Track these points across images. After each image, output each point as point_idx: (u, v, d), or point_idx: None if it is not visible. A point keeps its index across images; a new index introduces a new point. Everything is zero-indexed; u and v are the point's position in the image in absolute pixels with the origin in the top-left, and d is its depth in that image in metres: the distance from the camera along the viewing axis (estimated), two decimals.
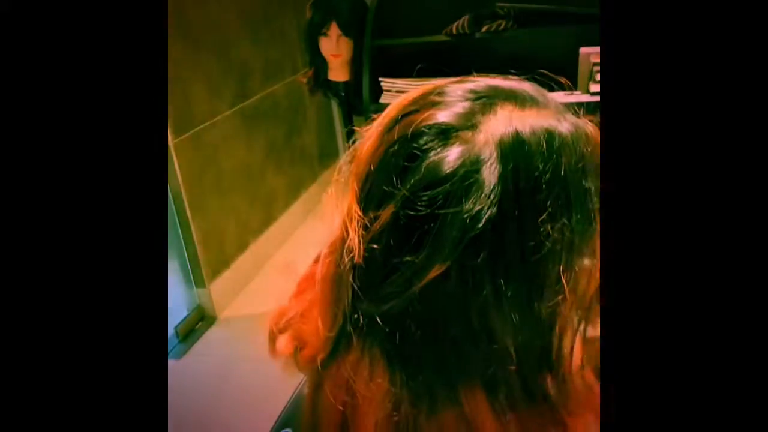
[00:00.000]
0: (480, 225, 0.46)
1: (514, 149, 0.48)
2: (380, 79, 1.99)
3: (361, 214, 0.51)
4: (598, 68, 1.77)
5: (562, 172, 0.48)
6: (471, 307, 0.49)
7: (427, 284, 0.48)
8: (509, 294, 0.48)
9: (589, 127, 0.52)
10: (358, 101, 2.03)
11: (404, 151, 0.49)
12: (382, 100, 1.69)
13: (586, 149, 0.50)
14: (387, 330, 0.51)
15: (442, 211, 0.46)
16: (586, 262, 0.51)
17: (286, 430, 0.77)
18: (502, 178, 0.47)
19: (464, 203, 0.46)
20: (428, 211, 0.47)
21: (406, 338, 0.51)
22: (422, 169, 0.48)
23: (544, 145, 0.48)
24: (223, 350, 2.24)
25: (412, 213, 0.47)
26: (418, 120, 0.50)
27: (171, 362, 2.20)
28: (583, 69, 1.78)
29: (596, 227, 0.51)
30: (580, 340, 0.55)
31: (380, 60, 2.00)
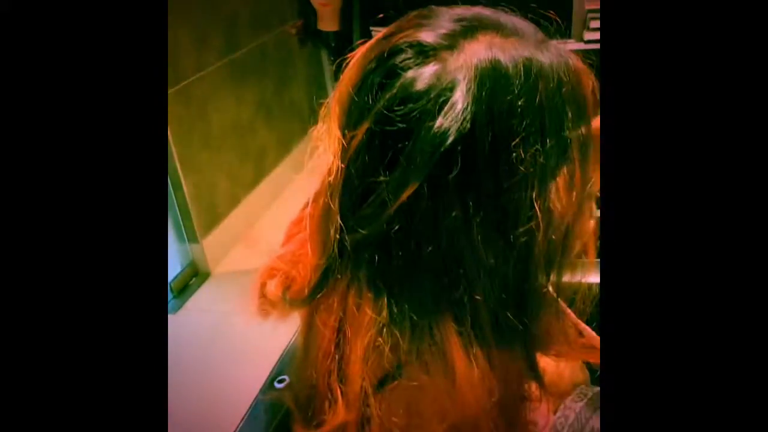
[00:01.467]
0: (450, 140, 0.46)
1: (491, 73, 0.48)
2: (371, 28, 1.95)
3: (340, 135, 0.52)
4: (592, 15, 1.74)
5: (539, 100, 0.48)
6: (441, 230, 0.49)
7: (402, 205, 0.49)
8: (479, 218, 0.49)
9: (572, 59, 0.51)
10: (348, 52, 1.99)
11: (382, 69, 0.50)
12: None
13: (566, 78, 0.50)
14: (370, 255, 0.52)
15: (416, 127, 0.47)
16: (562, 194, 0.52)
17: (282, 377, 0.78)
18: (476, 99, 0.47)
19: (436, 119, 0.46)
20: (402, 126, 0.47)
21: (386, 263, 0.52)
22: (398, 85, 0.48)
23: (522, 71, 0.48)
24: (218, 305, 2.25)
25: (387, 129, 0.48)
26: (399, 38, 0.49)
27: None
28: (576, 16, 1.75)
29: (572, 159, 0.51)
30: (555, 281, 0.55)
31: (371, 8, 1.96)
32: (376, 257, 0.52)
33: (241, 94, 2.62)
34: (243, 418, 0.77)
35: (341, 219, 0.53)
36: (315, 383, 0.59)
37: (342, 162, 0.52)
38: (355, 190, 0.52)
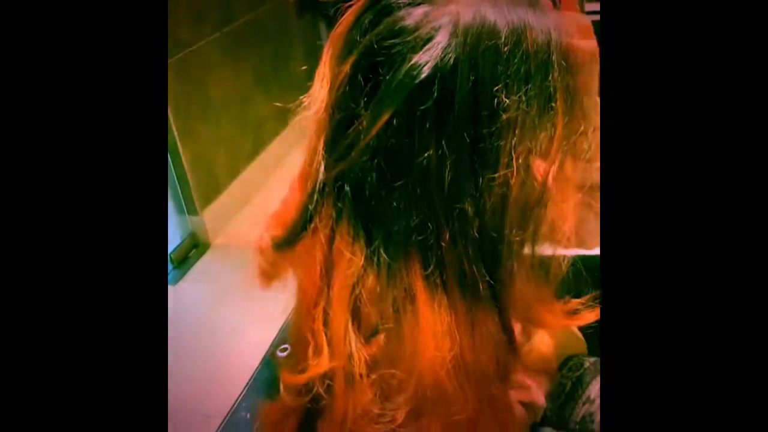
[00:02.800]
0: (427, 74, 0.48)
1: (479, 18, 0.49)
2: None
3: (329, 70, 0.54)
4: None
5: (525, 48, 0.49)
6: (414, 168, 0.50)
7: (380, 140, 0.50)
8: (452, 160, 0.50)
9: (567, 16, 0.52)
10: None
11: (376, 9, 0.51)
12: None
13: (556, 32, 0.51)
14: (348, 192, 0.54)
15: (397, 60, 0.48)
16: (544, 150, 0.52)
17: (285, 346, 0.79)
18: (461, 42, 0.48)
19: (417, 53, 0.48)
20: (385, 59, 0.49)
21: (362, 201, 0.54)
22: (387, 21, 0.50)
23: (511, 20, 0.49)
24: (218, 276, 2.27)
25: (371, 61, 0.50)
26: None
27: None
28: None
29: (556, 111, 0.51)
30: (530, 243, 0.55)
31: None
32: (353, 194, 0.54)
33: (238, 65, 2.60)
34: (245, 387, 0.78)
35: (324, 154, 0.55)
36: (302, 330, 0.61)
37: (329, 96, 0.54)
38: (338, 124, 0.53)
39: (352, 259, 0.55)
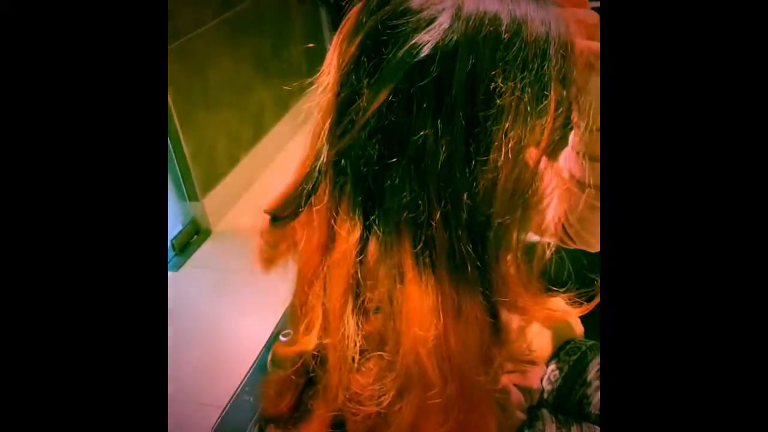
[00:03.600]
0: (427, 53, 0.50)
1: (482, 4, 0.51)
2: None
3: (338, 53, 0.56)
4: None
5: (524, 37, 0.51)
6: (410, 145, 0.52)
7: (379, 117, 0.52)
8: (446, 141, 0.52)
9: (570, 11, 0.53)
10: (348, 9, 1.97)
11: None
12: None
13: (557, 24, 0.52)
14: (347, 168, 0.56)
15: (401, 39, 0.50)
16: (536, 138, 0.53)
17: (287, 331, 0.80)
18: (463, 25, 0.50)
19: (416, 36, 0.50)
20: (389, 39, 0.51)
21: (360, 177, 0.56)
22: (393, 3, 0.52)
23: (514, 9, 0.51)
24: (220, 262, 2.28)
25: (376, 40, 0.52)
26: None
27: (169, 274, 2.24)
28: None
29: (549, 102, 0.52)
30: (517, 229, 0.56)
31: None
32: (352, 171, 0.56)
33: (238, 51, 2.60)
34: (248, 371, 0.79)
35: (328, 132, 0.57)
36: (297, 306, 0.63)
37: (336, 77, 0.56)
38: (341, 102, 0.55)
39: (349, 234, 0.56)
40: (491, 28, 0.50)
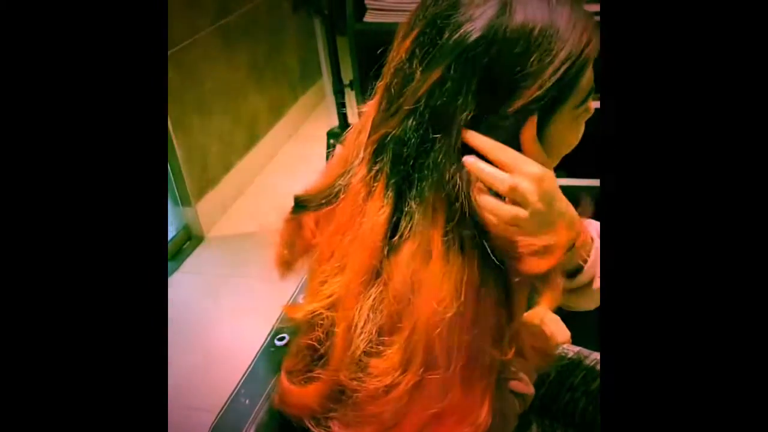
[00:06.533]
0: (473, 40, 0.56)
1: (529, 8, 0.57)
2: None
3: (395, 46, 0.62)
4: None
5: (556, 42, 0.57)
6: (454, 125, 0.58)
7: (427, 96, 0.58)
8: (487, 124, 0.58)
9: (592, 21, 0.60)
10: (341, 20, 1.99)
11: None
12: (367, 18, 1.66)
13: (584, 33, 0.58)
14: (390, 151, 0.61)
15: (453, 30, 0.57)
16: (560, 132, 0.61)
17: (282, 335, 0.82)
18: (506, 23, 0.56)
19: (468, 24, 0.57)
20: (443, 26, 0.58)
21: (402, 159, 0.60)
22: (444, 1, 0.59)
23: (553, 19, 0.57)
24: (213, 268, 2.29)
25: (432, 30, 0.58)
26: None
27: None
28: None
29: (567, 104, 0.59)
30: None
31: None
32: (393, 152, 0.61)
33: (232, 58, 2.61)
34: (244, 375, 0.81)
35: (376, 119, 0.63)
36: (315, 278, 0.66)
37: (396, 57, 0.62)
38: (392, 89, 0.62)
39: (379, 213, 0.61)
40: (529, 29, 0.56)
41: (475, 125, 0.58)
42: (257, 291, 2.05)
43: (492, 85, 0.57)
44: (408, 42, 0.60)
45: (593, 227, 0.66)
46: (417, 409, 0.59)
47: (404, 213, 0.60)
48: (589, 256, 0.64)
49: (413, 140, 0.59)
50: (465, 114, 0.57)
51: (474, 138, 0.59)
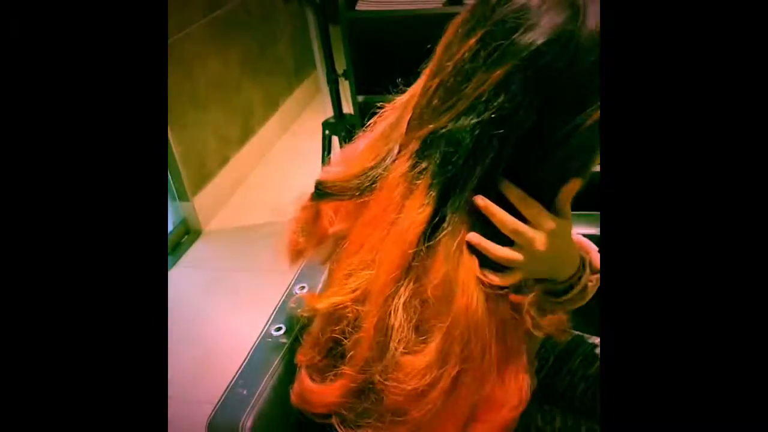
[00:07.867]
0: (542, 44, 0.55)
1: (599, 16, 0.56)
2: None
3: (455, 43, 0.61)
4: None
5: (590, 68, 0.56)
6: (512, 124, 0.57)
7: (489, 95, 0.57)
8: (545, 130, 0.58)
9: None
10: (333, 9, 1.98)
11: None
12: (359, 6, 1.65)
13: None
14: (439, 151, 0.60)
15: (522, 31, 0.56)
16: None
17: (279, 326, 0.82)
18: (578, 27, 0.56)
19: (528, 32, 0.56)
20: (511, 29, 0.57)
21: (450, 161, 0.60)
22: (518, 2, 0.58)
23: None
24: (211, 262, 2.29)
25: (499, 30, 0.57)
26: None
27: None
28: None
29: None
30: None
31: None
32: (442, 152, 0.60)
33: (226, 51, 2.61)
34: (242, 365, 0.81)
35: (425, 114, 0.62)
36: (340, 270, 0.66)
37: (445, 62, 0.61)
38: (448, 86, 0.60)
39: (419, 212, 0.60)
40: (584, 32, 0.56)
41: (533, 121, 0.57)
42: (255, 284, 2.05)
43: (560, 93, 0.57)
44: (472, 41, 0.59)
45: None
46: (458, 404, 0.59)
47: (445, 213, 0.60)
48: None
49: (467, 141, 0.58)
50: (527, 122, 0.57)
51: (507, 189, 0.60)
